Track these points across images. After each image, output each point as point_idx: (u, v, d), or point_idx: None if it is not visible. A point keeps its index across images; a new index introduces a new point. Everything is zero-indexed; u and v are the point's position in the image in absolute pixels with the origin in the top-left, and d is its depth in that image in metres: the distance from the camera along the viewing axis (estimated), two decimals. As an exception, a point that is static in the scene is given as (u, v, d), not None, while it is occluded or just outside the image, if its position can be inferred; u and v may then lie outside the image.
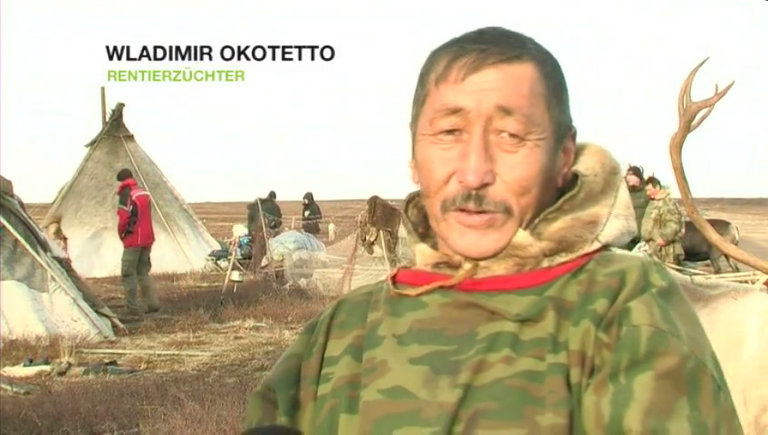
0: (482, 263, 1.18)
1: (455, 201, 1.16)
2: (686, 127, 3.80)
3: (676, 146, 3.85)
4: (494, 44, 1.17)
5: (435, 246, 1.23)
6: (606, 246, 1.21)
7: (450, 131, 1.16)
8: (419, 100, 1.21)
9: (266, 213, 20.65)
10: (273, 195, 23.49)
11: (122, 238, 13.68)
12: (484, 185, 1.14)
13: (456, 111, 1.16)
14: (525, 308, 1.13)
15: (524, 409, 1.07)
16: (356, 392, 1.16)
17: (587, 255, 1.18)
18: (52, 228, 17.33)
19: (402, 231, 16.88)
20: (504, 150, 1.15)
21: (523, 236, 1.17)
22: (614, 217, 1.21)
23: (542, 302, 1.13)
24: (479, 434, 1.07)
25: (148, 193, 14.68)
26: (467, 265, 1.18)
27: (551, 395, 1.07)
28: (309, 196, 27.04)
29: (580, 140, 1.26)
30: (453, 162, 1.16)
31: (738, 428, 1.09)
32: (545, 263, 1.18)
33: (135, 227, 13.38)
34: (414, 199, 1.28)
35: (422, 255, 1.24)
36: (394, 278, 1.25)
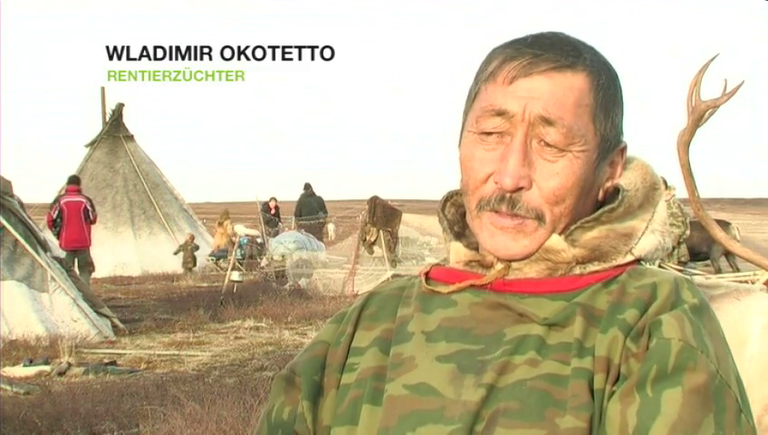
0: (514, 264, 1.19)
1: (489, 202, 1.17)
2: (695, 125, 3.78)
3: (684, 144, 3.83)
4: (549, 51, 1.17)
5: (469, 245, 1.24)
6: (639, 260, 1.21)
7: (494, 133, 1.17)
8: (471, 95, 1.22)
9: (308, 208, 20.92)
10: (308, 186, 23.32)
11: None
12: (519, 189, 1.15)
13: (501, 114, 1.16)
14: (554, 313, 1.14)
15: (545, 410, 1.08)
16: (381, 385, 1.17)
17: (619, 266, 1.19)
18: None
19: (402, 231, 16.90)
20: (543, 159, 1.15)
21: (557, 241, 1.17)
22: (650, 233, 1.22)
23: (571, 308, 1.14)
24: (499, 432, 1.07)
25: (81, 200, 14.68)
26: (499, 266, 1.19)
27: (573, 399, 1.08)
28: (310, 196, 27.01)
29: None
30: (493, 163, 1.16)
31: None
32: (577, 270, 1.18)
33: (60, 232, 14.03)
34: (452, 198, 1.29)
35: (456, 253, 1.25)
36: (427, 275, 1.25)
